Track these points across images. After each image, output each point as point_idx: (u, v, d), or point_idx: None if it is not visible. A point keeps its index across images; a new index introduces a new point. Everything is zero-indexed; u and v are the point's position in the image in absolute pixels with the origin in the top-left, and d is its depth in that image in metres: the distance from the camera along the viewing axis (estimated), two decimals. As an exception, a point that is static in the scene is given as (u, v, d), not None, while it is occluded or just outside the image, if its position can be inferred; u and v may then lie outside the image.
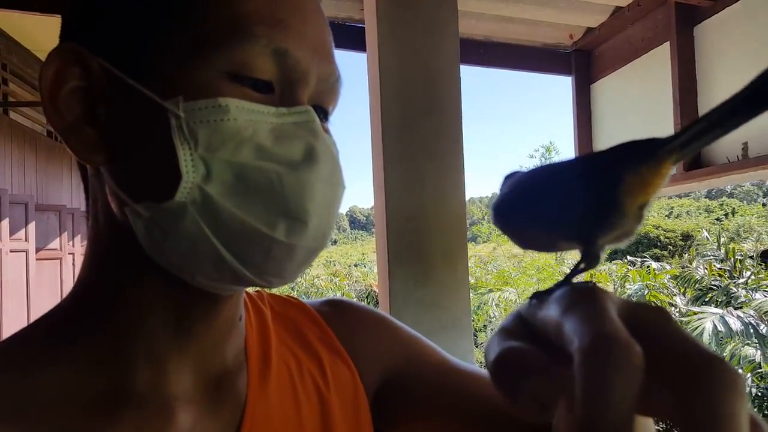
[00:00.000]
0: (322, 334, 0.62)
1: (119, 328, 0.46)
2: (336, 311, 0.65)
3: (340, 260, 32.24)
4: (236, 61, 0.42)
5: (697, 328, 6.94)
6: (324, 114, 0.50)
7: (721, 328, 6.82)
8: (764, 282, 9.03)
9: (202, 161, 0.41)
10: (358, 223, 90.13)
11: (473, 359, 1.57)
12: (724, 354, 6.87)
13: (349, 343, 0.62)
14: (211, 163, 0.41)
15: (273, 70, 0.44)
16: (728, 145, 1.81)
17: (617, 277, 12.23)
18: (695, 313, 7.39)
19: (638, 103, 2.24)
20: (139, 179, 0.43)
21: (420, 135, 1.64)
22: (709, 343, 6.80)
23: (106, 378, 0.45)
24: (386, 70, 1.60)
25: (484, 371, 0.66)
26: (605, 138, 2.52)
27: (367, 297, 15.65)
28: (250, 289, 0.57)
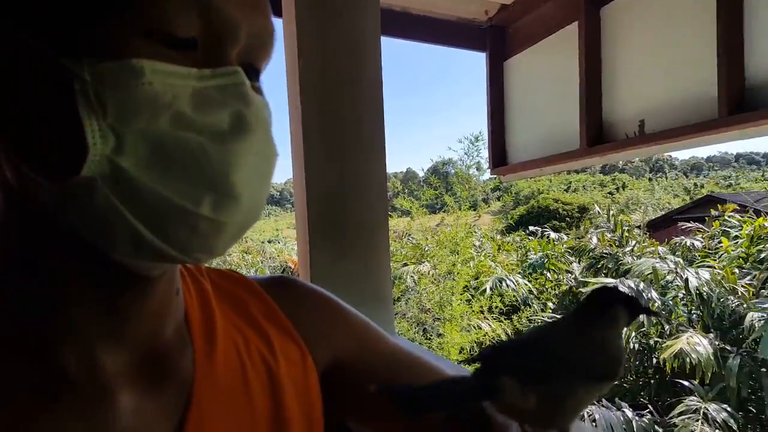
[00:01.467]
0: (268, 310, 0.59)
1: (35, 309, 0.42)
2: (283, 289, 0.62)
3: (252, 236, 31.41)
4: (152, 15, 0.37)
5: None
6: (255, 73, 0.45)
7: None
8: (648, 250, 9.88)
9: (112, 131, 0.36)
10: (271, 198, 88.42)
11: (393, 329, 1.58)
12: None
13: (298, 323, 0.60)
14: (123, 134, 0.37)
15: (196, 24, 0.39)
16: (625, 122, 1.93)
17: (519, 247, 12.92)
18: (592, 284, 7.94)
19: (548, 82, 2.32)
20: (42, 152, 0.38)
21: (341, 106, 1.60)
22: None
23: (31, 365, 0.42)
24: (305, 39, 1.54)
25: (435, 360, 0.69)
26: (517, 115, 2.60)
27: (282, 272, 15.46)
28: None
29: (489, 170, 2.81)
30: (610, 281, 8.02)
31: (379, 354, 0.64)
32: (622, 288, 0.46)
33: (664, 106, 1.73)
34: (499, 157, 2.73)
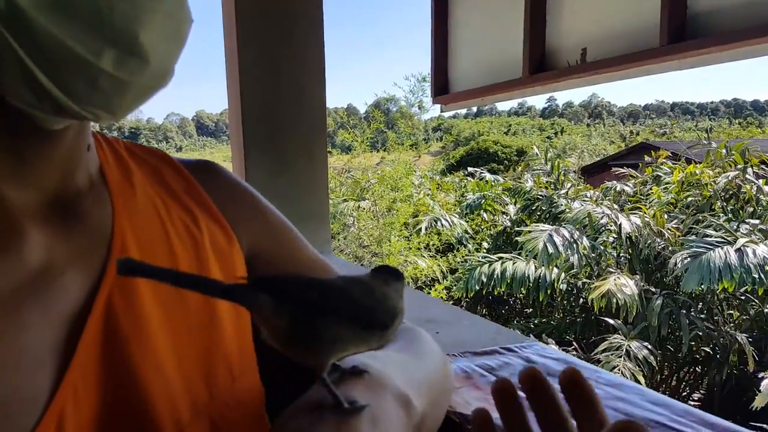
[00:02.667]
0: (190, 188, 0.58)
1: None
2: (206, 173, 0.62)
3: (186, 169, 30.37)
4: None
5: (533, 247, 7.77)
6: None
7: (550, 249, 7.72)
8: (582, 193, 10.33)
9: None
10: (205, 129, 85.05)
11: (330, 248, 1.60)
12: (555, 264, 7.88)
13: (222, 208, 0.59)
14: None
15: None
16: (568, 50, 1.96)
17: (458, 188, 13.19)
18: (528, 233, 8.22)
19: (492, 7, 2.31)
20: None
21: (277, 18, 1.53)
22: (541, 261, 7.71)
23: None
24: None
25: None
26: (460, 42, 2.58)
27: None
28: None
29: (431, 104, 2.81)
30: (546, 226, 8.35)
31: (293, 258, 0.65)
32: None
33: (607, 34, 1.76)
34: (441, 86, 2.72)
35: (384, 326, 0.42)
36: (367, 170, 12.27)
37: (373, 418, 0.40)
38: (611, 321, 7.29)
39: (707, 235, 7.05)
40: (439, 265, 9.68)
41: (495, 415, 0.58)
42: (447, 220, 10.16)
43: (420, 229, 10.11)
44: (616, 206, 8.97)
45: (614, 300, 6.93)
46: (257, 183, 1.52)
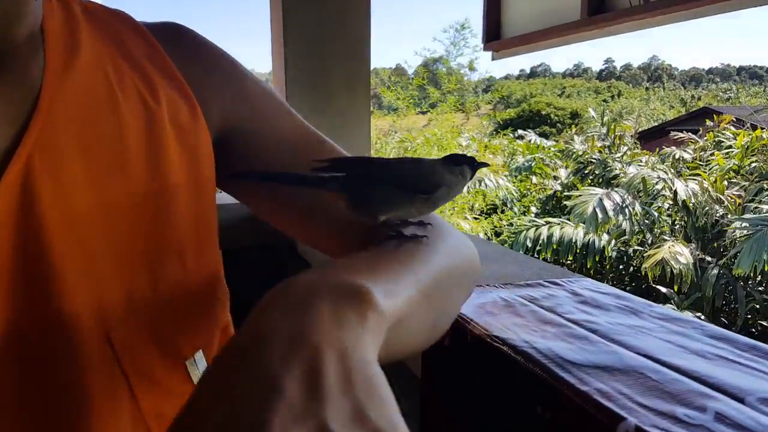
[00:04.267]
0: (153, 54, 0.52)
1: None
2: (173, 37, 0.55)
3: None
4: None
5: (582, 212, 7.56)
6: None
7: (600, 214, 7.49)
8: (638, 158, 9.93)
9: None
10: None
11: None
12: (605, 229, 7.64)
13: (188, 77, 0.53)
14: None
15: None
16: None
17: (508, 150, 12.89)
18: (577, 197, 7.98)
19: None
20: None
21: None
22: (590, 226, 7.50)
23: None
24: None
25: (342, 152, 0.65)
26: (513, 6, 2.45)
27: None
28: None
29: (482, 49, 2.69)
30: (597, 190, 8.09)
31: (277, 129, 0.59)
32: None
33: (677, -34, 1.62)
34: (493, 31, 2.61)
35: (425, 192, 0.49)
36: (413, 131, 12.12)
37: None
38: (663, 290, 7.07)
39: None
40: (483, 227, 9.56)
41: (539, 341, 0.54)
42: (492, 181, 9.98)
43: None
44: (671, 171, 8.59)
45: (668, 269, 6.70)
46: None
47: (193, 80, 0.53)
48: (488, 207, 10.22)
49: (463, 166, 0.52)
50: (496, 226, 9.98)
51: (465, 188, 0.58)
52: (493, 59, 2.67)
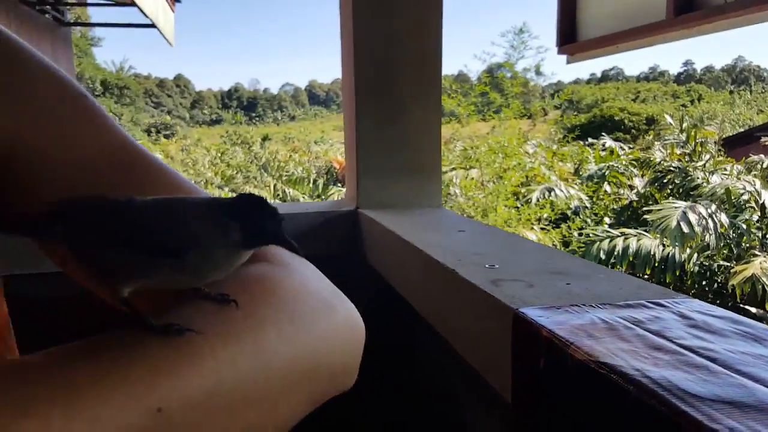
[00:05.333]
0: None
1: None
2: None
3: (299, 137, 31.73)
4: None
5: (665, 226, 7.21)
6: None
7: (684, 228, 7.10)
8: (721, 166, 9.38)
9: None
10: (317, 98, 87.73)
11: (439, 202, 1.54)
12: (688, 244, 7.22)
13: None
14: None
15: None
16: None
17: (576, 158, 12.50)
18: (658, 210, 7.62)
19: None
20: None
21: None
22: (673, 240, 7.10)
23: None
24: None
25: (187, 183, 0.52)
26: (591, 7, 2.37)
27: (327, 173, 15.70)
28: None
29: (557, 48, 2.61)
30: (679, 203, 7.68)
31: (71, 149, 0.47)
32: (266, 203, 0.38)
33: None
34: (568, 33, 2.52)
35: (173, 254, 0.35)
36: (476, 138, 11.97)
37: None
38: (753, 310, 6.60)
39: None
40: (551, 238, 9.29)
41: (651, 369, 0.50)
42: (563, 191, 9.69)
43: (530, 198, 9.73)
44: (758, 181, 8.04)
45: (758, 286, 6.25)
46: (367, 131, 1.48)
47: None
48: (557, 216, 9.93)
49: (230, 224, 0.36)
50: (564, 236, 9.67)
51: (244, 257, 0.39)
52: (568, 62, 2.58)
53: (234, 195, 0.40)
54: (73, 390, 0.29)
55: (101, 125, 0.49)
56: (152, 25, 7.16)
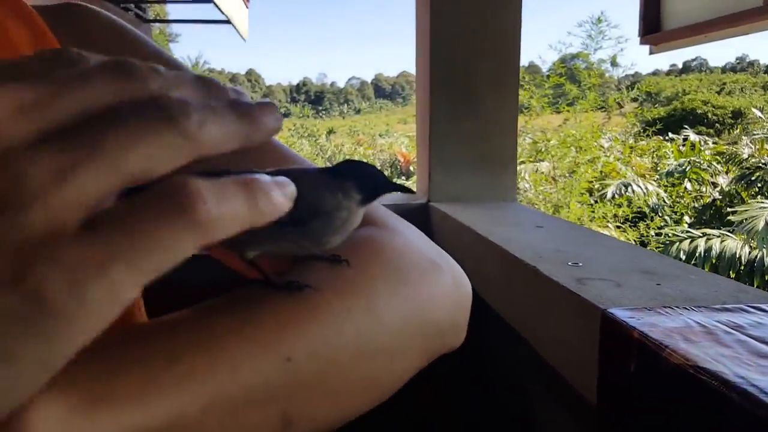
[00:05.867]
0: (37, 41, 0.49)
1: None
2: (66, 16, 0.52)
3: (364, 130, 32.01)
4: None
5: (751, 228, 6.81)
6: None
7: None
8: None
9: None
10: (383, 92, 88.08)
11: (514, 196, 1.51)
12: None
13: None
14: None
15: None
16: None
17: (655, 152, 11.93)
18: (744, 211, 7.19)
19: None
20: None
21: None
22: (761, 242, 6.69)
23: None
24: None
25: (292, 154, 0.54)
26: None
27: (391, 166, 15.77)
28: None
29: (639, 39, 2.50)
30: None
31: None
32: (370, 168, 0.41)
33: None
34: (651, 23, 2.41)
35: (298, 223, 0.37)
36: (547, 131, 11.62)
37: None
38: None
39: None
40: (628, 237, 8.92)
41: (758, 378, 0.47)
42: (640, 187, 9.27)
43: (605, 194, 9.37)
44: None
45: None
46: (441, 122, 1.47)
47: None
48: (634, 214, 9.53)
49: (347, 183, 0.38)
50: (642, 235, 9.27)
51: (358, 218, 0.40)
52: (651, 53, 2.47)
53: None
54: (213, 340, 0.32)
55: None
56: (227, 21, 7.41)
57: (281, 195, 0.24)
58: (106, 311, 0.18)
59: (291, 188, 0.25)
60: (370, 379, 0.40)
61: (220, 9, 6.79)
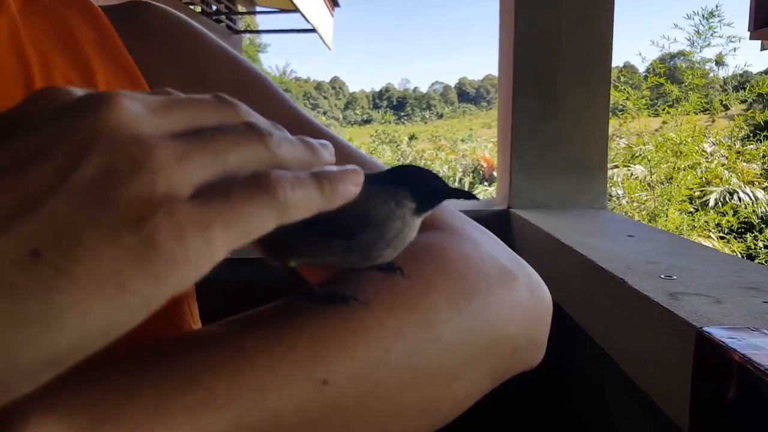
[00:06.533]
0: (102, 39, 0.50)
1: None
2: (132, 15, 0.53)
3: (446, 135, 31.90)
4: None
5: None
6: None
7: None
8: None
9: None
10: (466, 96, 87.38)
11: (604, 203, 1.43)
12: None
13: (143, 57, 0.51)
14: None
15: None
16: None
17: (766, 159, 11.00)
18: None
19: None
20: None
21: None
22: None
23: None
24: None
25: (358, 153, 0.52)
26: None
27: (473, 172, 15.60)
28: None
29: (749, 38, 2.32)
30: None
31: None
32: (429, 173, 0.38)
33: None
34: (765, 15, 2.22)
35: (347, 236, 0.35)
36: (644, 135, 11.02)
37: None
38: None
39: None
40: (732, 249, 8.28)
41: None
42: (748, 195, 8.58)
43: (707, 202, 8.72)
44: None
45: None
46: (524, 124, 1.43)
47: (147, 61, 0.51)
48: (740, 224, 8.82)
49: (399, 191, 0.35)
50: (750, 248, 8.56)
51: (413, 230, 0.37)
52: (762, 49, 2.28)
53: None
54: (240, 359, 0.30)
55: (272, 99, 0.55)
56: (313, 30, 7.64)
57: (347, 182, 0.27)
58: (201, 263, 0.22)
59: (357, 176, 0.28)
60: (426, 402, 0.37)
61: (306, 18, 7.02)
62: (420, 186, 0.36)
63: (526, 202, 1.45)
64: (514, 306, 0.43)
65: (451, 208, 0.52)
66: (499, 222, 1.46)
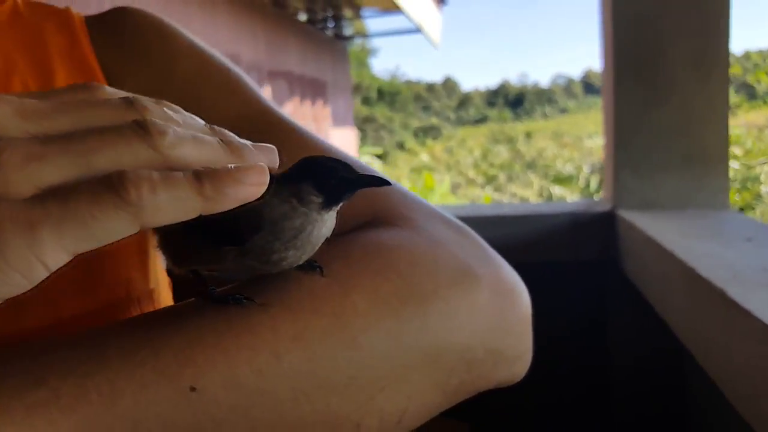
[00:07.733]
0: (72, 47, 0.52)
1: None
2: (109, 22, 0.56)
3: (570, 131, 30.65)
4: None
5: None
6: None
7: None
8: None
9: None
10: (592, 88, 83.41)
11: (725, 203, 1.28)
12: None
13: (112, 63, 0.53)
14: None
15: None
16: None
17: None
18: None
19: None
20: None
21: None
22: None
23: None
24: None
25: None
26: None
27: (600, 170, 14.82)
28: None
29: None
30: None
31: (211, 116, 0.43)
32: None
33: None
34: None
35: (236, 240, 0.33)
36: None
37: None
38: None
39: None
40: None
41: None
42: None
43: None
44: None
45: None
46: (629, 114, 1.31)
47: (119, 65, 0.53)
48: None
49: (302, 185, 0.33)
50: None
51: (331, 223, 0.35)
52: None
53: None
54: (98, 361, 0.29)
55: (235, 92, 0.55)
56: (417, 30, 7.69)
57: (242, 182, 0.26)
58: (24, 265, 0.22)
59: (259, 176, 0.26)
60: (337, 416, 0.34)
61: (410, 19, 7.08)
62: (325, 177, 0.34)
63: (634, 202, 1.33)
64: (472, 312, 0.39)
65: (417, 200, 0.47)
66: (602, 225, 1.35)
